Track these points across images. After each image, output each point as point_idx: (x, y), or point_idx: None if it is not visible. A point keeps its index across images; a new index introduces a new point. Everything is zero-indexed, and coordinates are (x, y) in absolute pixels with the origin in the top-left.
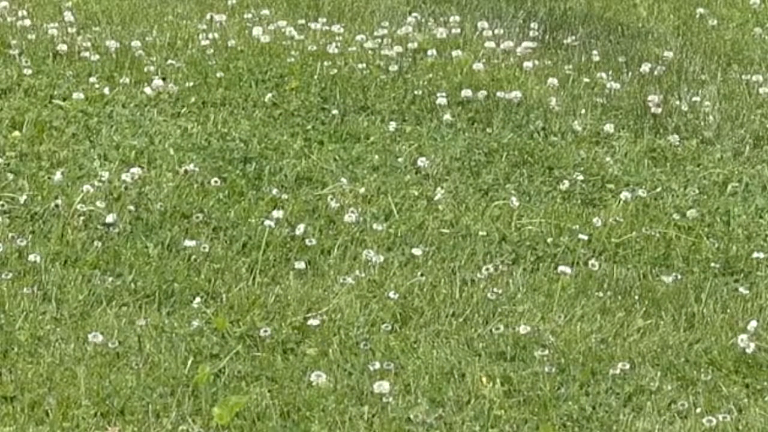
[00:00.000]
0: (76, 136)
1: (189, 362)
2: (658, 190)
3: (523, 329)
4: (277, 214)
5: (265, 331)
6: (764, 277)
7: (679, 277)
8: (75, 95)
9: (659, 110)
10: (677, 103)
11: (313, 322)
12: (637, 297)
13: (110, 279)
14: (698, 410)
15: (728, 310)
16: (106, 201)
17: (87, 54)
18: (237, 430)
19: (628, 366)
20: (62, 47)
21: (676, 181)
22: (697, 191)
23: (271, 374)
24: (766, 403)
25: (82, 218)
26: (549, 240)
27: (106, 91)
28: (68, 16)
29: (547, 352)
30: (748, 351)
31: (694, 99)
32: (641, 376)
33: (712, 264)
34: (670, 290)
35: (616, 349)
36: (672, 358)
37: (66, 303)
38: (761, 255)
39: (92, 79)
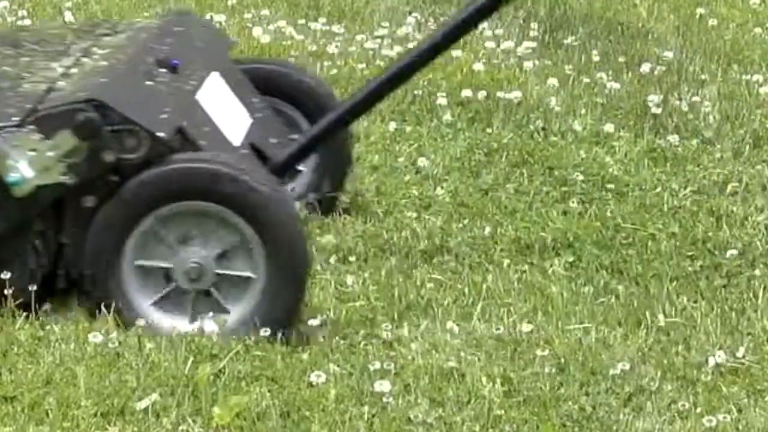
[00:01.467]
0: None
1: (189, 362)
2: (658, 190)
3: (525, 328)
4: None
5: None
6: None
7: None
8: None
9: (659, 110)
10: (677, 103)
11: (314, 322)
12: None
13: None
14: (698, 410)
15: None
16: None
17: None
18: (237, 430)
19: (628, 366)
20: None
21: (676, 181)
22: (696, 191)
23: (271, 374)
24: (766, 404)
25: None
26: (549, 240)
27: None
28: (68, 16)
29: (546, 352)
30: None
31: (694, 99)
32: (641, 376)
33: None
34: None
35: (616, 349)
36: (673, 358)
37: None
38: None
39: None
